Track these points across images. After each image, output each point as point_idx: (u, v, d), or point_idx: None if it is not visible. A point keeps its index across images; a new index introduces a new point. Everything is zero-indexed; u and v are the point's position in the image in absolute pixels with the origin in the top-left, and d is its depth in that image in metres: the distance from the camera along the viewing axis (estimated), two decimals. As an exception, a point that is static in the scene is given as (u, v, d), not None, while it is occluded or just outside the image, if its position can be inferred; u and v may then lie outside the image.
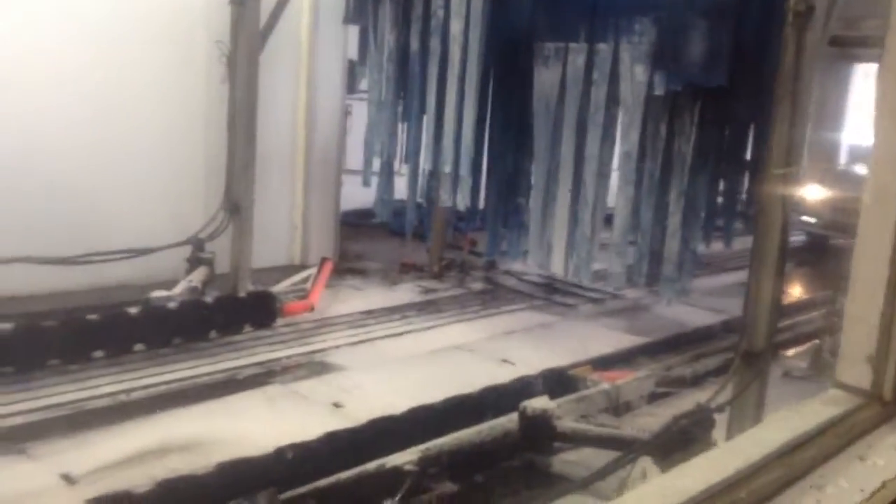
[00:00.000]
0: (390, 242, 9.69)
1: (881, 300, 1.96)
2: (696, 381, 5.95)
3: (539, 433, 4.51)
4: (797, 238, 12.03)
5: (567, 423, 4.59)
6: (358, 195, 9.30)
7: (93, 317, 5.47)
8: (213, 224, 6.89)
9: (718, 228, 6.44)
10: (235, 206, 6.92)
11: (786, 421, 1.83)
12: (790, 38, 4.10)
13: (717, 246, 6.91)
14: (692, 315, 7.70)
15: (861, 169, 12.31)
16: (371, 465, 3.93)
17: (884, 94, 2.09)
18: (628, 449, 4.16)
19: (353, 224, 10.06)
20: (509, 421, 4.58)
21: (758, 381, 4.48)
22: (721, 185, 6.13)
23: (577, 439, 4.55)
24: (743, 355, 4.49)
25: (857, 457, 1.71)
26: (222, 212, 6.92)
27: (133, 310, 5.70)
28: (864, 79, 16.58)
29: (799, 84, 4.22)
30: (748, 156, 6.18)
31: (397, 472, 3.92)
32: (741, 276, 9.97)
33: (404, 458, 4.03)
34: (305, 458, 4.32)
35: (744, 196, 6.44)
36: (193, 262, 6.82)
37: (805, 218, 11.59)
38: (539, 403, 4.56)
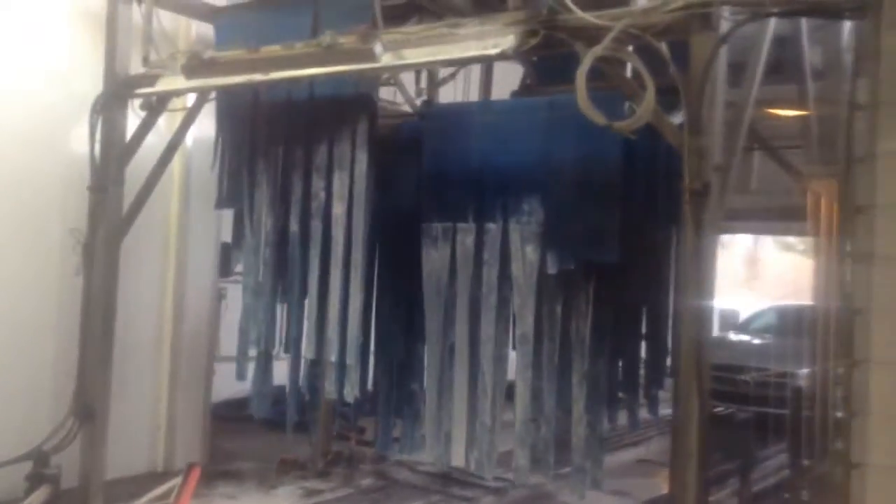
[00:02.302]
0: (267, 436, 8.80)
1: None
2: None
3: None
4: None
5: None
6: (231, 384, 8.54)
7: None
8: (61, 433, 5.99)
9: (621, 405, 6.15)
10: (88, 411, 6.07)
11: None
12: (689, 216, 4.02)
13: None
14: (598, 501, 7.21)
15: (734, 336, 12.53)
16: None
17: (882, 287, 1.86)
18: None
19: (225, 417, 9.16)
20: None
21: None
22: (620, 363, 5.90)
23: None
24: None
25: None
26: (71, 417, 6.05)
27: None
28: (722, 248, 17.69)
29: (701, 259, 4.11)
30: (643, 330, 6.04)
31: None
32: (639, 451, 9.73)
33: None
34: None
35: (642, 372, 6.25)
36: (35, 481, 5.83)
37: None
38: None
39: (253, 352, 6.29)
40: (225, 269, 8.37)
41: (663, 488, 8.04)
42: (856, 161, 3.35)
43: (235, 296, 8.84)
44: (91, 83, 6.20)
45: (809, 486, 8.01)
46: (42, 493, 5.74)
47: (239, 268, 8.16)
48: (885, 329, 2.70)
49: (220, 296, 8.64)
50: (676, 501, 4.04)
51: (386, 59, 4.65)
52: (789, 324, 11.94)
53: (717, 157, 4.24)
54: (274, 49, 4.94)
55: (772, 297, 15.52)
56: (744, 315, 13.78)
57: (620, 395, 6.04)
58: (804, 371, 9.53)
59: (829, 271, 7.40)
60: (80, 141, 6.28)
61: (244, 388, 7.70)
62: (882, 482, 3.03)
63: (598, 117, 4.02)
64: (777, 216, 9.95)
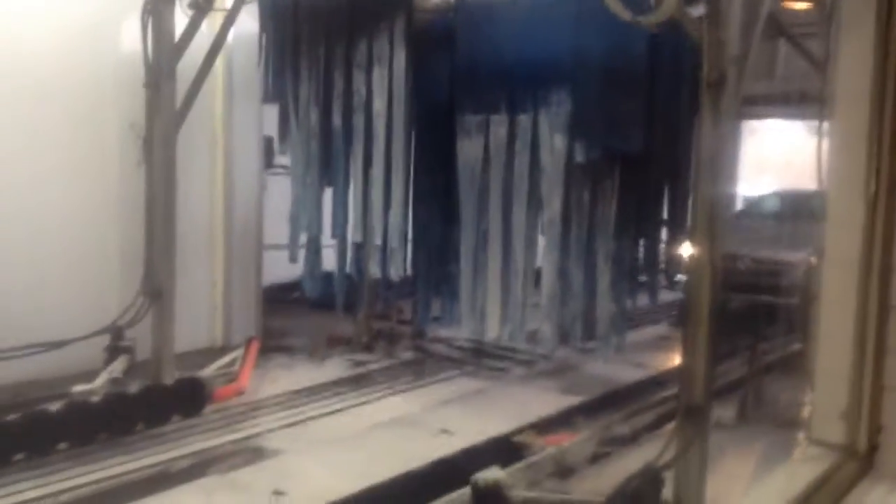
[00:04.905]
0: (314, 317, 9.52)
1: (850, 358, 2.08)
2: (634, 438, 6.03)
3: (492, 504, 4.46)
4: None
5: (520, 493, 4.56)
6: (275, 269, 9.19)
7: (10, 417, 5.12)
8: (133, 310, 6.63)
9: (642, 284, 6.64)
10: (156, 291, 6.68)
11: (781, 483, 1.89)
12: (706, 106, 4.34)
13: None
14: (620, 371, 7.84)
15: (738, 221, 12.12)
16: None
17: (835, 168, 2.26)
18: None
19: (274, 299, 9.86)
20: (461, 496, 4.53)
21: (700, 435, 4.60)
22: (642, 243, 6.35)
23: (531, 507, 4.52)
24: (684, 411, 4.60)
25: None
26: (142, 297, 6.68)
27: (54, 407, 5.37)
28: (750, 135, 17.64)
29: (718, 146, 4.47)
30: (665, 214, 6.45)
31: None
32: (660, 329, 10.30)
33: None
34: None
35: (663, 253, 6.70)
36: (112, 352, 6.52)
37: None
38: (490, 475, 4.53)
39: (303, 237, 6.82)
40: (268, 161, 8.87)
41: (679, 362, 8.64)
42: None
43: (275, 188, 9.40)
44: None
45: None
46: (121, 362, 6.42)
47: (280, 160, 8.70)
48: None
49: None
50: (686, 362, 4.55)
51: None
52: (790, 208, 11.75)
53: (734, 48, 4.52)
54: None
55: (794, 183, 15.32)
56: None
57: (642, 277, 6.52)
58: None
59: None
60: (130, 40, 6.66)
61: (290, 272, 8.34)
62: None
63: (623, 12, 4.29)
64: (799, 101, 9.98)
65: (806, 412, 4.98)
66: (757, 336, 7.48)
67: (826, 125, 4.46)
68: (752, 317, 8.06)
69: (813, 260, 8.75)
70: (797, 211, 11.15)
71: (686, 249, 7.20)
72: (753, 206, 12.54)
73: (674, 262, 6.75)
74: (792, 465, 2.10)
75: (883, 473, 2.42)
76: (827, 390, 2.22)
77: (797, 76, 8.96)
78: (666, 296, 7.65)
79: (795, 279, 8.17)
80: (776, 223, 11.60)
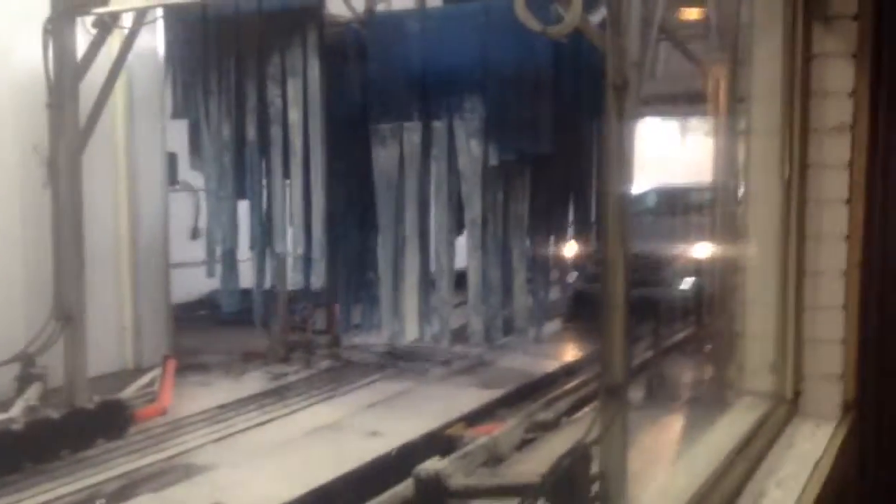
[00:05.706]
0: (223, 332, 9.43)
1: (774, 317, 2.42)
2: (556, 423, 6.37)
3: (434, 495, 4.66)
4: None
5: (459, 481, 4.77)
6: (179, 287, 9.05)
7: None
8: (43, 336, 6.43)
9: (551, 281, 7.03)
10: (67, 315, 6.51)
11: (728, 427, 2.21)
12: (612, 108, 4.71)
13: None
14: (533, 364, 8.20)
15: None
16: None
17: (754, 153, 2.60)
18: (523, 493, 4.44)
19: (180, 318, 9.68)
20: (405, 488, 4.71)
21: (621, 411, 4.96)
22: (552, 240, 6.74)
23: (471, 494, 4.74)
24: (605, 390, 4.96)
25: (788, 446, 2.11)
26: (52, 322, 6.49)
27: (-26, 439, 5.18)
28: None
29: (623, 145, 4.85)
30: (571, 213, 6.86)
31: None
32: (556, 324, 10.75)
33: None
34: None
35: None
36: (24, 380, 6.30)
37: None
38: (432, 466, 4.72)
39: (219, 251, 6.82)
40: (171, 178, 8.75)
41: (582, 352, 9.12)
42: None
43: (174, 205, 9.26)
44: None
45: (710, 340, 9.24)
46: (35, 389, 6.22)
47: (183, 177, 8.62)
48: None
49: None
50: (605, 345, 4.90)
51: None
52: (668, 204, 12.48)
53: (634, 53, 4.92)
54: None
55: (672, 178, 16.15)
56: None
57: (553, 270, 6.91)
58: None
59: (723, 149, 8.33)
60: (29, 59, 6.46)
61: (195, 289, 8.23)
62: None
63: (534, 24, 4.58)
64: (680, 101, 10.65)
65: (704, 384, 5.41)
66: (657, 323, 8.02)
67: (720, 121, 4.94)
68: (642, 308, 8.59)
69: (689, 254, 9.42)
70: (675, 206, 11.89)
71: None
72: (635, 202, 13.07)
73: (578, 260, 7.16)
74: (733, 412, 2.45)
75: (807, 414, 2.84)
76: (756, 347, 2.59)
77: (677, 77, 9.64)
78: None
79: (677, 272, 8.77)
80: (655, 218, 12.19)
